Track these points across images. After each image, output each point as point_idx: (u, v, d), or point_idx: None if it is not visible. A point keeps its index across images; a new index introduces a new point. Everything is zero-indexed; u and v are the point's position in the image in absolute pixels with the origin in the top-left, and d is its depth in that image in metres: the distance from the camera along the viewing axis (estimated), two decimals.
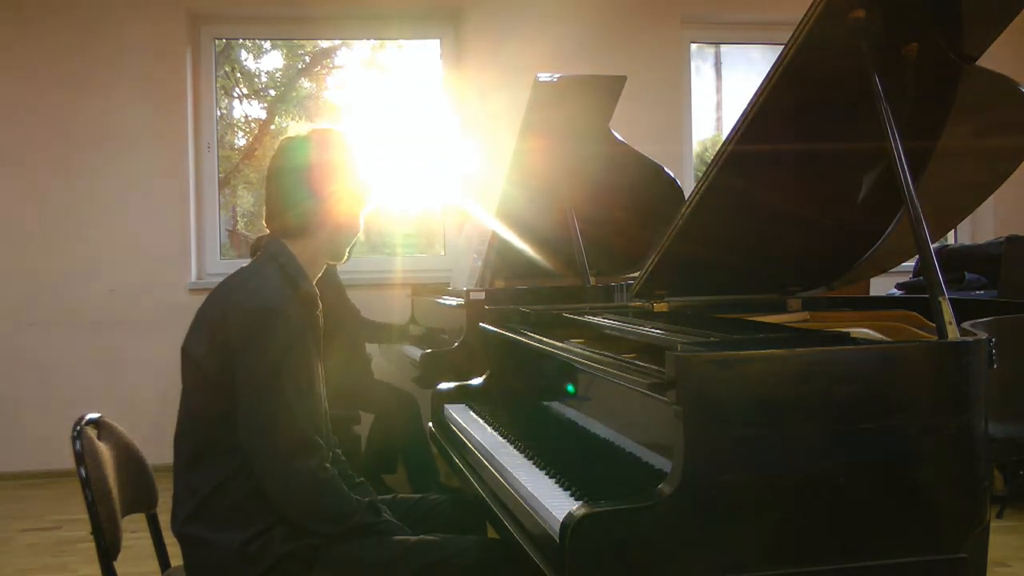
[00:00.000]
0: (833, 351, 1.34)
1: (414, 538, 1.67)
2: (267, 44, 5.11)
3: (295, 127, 5.17)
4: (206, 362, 1.59)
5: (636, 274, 2.39)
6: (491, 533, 1.75)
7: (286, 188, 1.70)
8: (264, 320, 1.55)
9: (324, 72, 5.21)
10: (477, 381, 2.37)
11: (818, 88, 1.65)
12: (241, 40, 5.02)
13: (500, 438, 1.91)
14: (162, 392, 4.33)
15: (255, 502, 1.59)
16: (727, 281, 2.15)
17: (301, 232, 1.70)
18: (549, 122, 2.95)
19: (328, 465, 1.61)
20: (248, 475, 1.58)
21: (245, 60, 5.15)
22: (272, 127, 5.14)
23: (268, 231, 1.76)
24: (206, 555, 1.60)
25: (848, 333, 1.65)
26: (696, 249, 1.89)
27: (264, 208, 1.76)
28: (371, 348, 3.97)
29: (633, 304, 2.22)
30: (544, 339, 1.92)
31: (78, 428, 1.61)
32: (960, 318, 1.45)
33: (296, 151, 1.71)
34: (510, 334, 2.16)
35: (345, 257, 1.79)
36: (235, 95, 5.10)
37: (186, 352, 1.63)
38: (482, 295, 3.12)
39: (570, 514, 1.22)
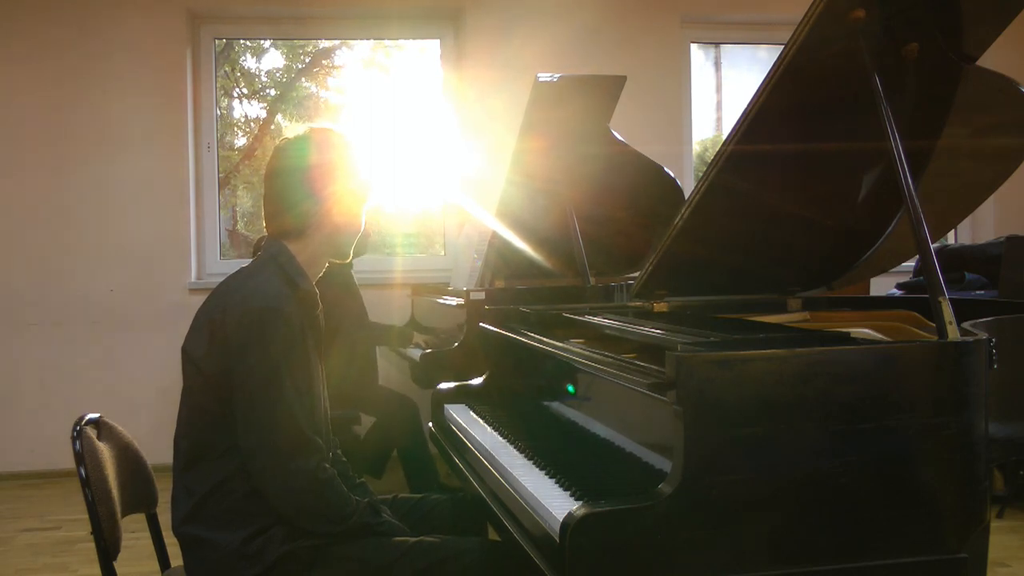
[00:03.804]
0: (833, 351, 1.34)
1: (414, 539, 1.67)
2: (267, 44, 5.11)
3: (293, 128, 5.18)
4: (205, 362, 1.59)
5: (636, 274, 2.39)
6: (491, 534, 1.75)
7: (283, 189, 1.70)
8: (263, 320, 1.55)
9: (324, 72, 5.21)
10: (477, 381, 2.37)
11: (818, 88, 1.65)
12: (241, 40, 5.02)
13: (500, 438, 1.91)
14: (162, 392, 4.34)
15: (253, 503, 1.58)
16: (727, 281, 2.15)
17: (300, 232, 1.70)
18: (549, 122, 2.95)
19: (327, 465, 1.61)
20: (246, 476, 1.58)
21: (245, 60, 5.15)
22: (272, 127, 5.14)
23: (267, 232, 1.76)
24: (205, 555, 1.60)
25: (848, 333, 1.65)
26: (696, 249, 1.89)
27: (263, 210, 1.75)
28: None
29: (633, 304, 2.22)
30: (544, 339, 1.92)
31: (78, 428, 1.61)
32: (960, 318, 1.44)
33: (294, 152, 1.71)
34: (510, 334, 2.16)
35: (349, 256, 1.79)
36: (235, 95, 5.10)
37: (186, 352, 1.63)
38: (482, 295, 3.13)
39: (570, 514, 1.22)
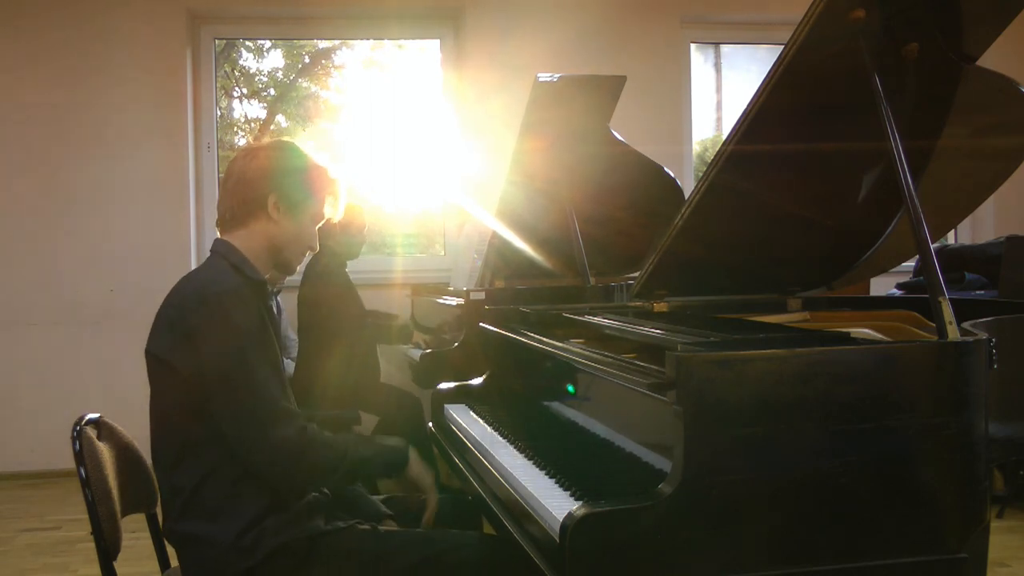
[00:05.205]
0: (833, 351, 1.34)
1: (412, 531, 1.67)
2: (267, 44, 5.11)
3: (293, 128, 5.18)
4: (172, 356, 1.59)
5: (636, 274, 2.39)
6: (488, 531, 1.75)
7: (234, 189, 1.71)
8: (221, 303, 1.57)
9: (324, 72, 5.21)
10: (477, 381, 2.36)
11: (818, 88, 1.65)
12: (241, 40, 5.02)
13: (500, 438, 1.91)
14: None
15: (243, 490, 1.58)
16: (727, 281, 2.15)
17: (246, 230, 1.71)
18: (549, 122, 2.95)
19: (306, 426, 1.61)
20: (231, 464, 1.58)
21: (245, 60, 5.15)
22: (272, 127, 5.14)
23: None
24: (201, 551, 1.59)
25: (848, 333, 1.65)
26: (696, 249, 1.89)
27: (217, 210, 1.77)
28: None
29: (633, 304, 2.22)
30: (544, 339, 1.92)
31: (78, 428, 1.62)
32: (960, 318, 1.44)
33: (251, 157, 1.72)
34: (510, 334, 2.16)
35: (295, 269, 1.80)
36: (235, 95, 5.10)
37: (150, 353, 1.63)
38: (482, 295, 3.12)
39: (570, 514, 1.22)
